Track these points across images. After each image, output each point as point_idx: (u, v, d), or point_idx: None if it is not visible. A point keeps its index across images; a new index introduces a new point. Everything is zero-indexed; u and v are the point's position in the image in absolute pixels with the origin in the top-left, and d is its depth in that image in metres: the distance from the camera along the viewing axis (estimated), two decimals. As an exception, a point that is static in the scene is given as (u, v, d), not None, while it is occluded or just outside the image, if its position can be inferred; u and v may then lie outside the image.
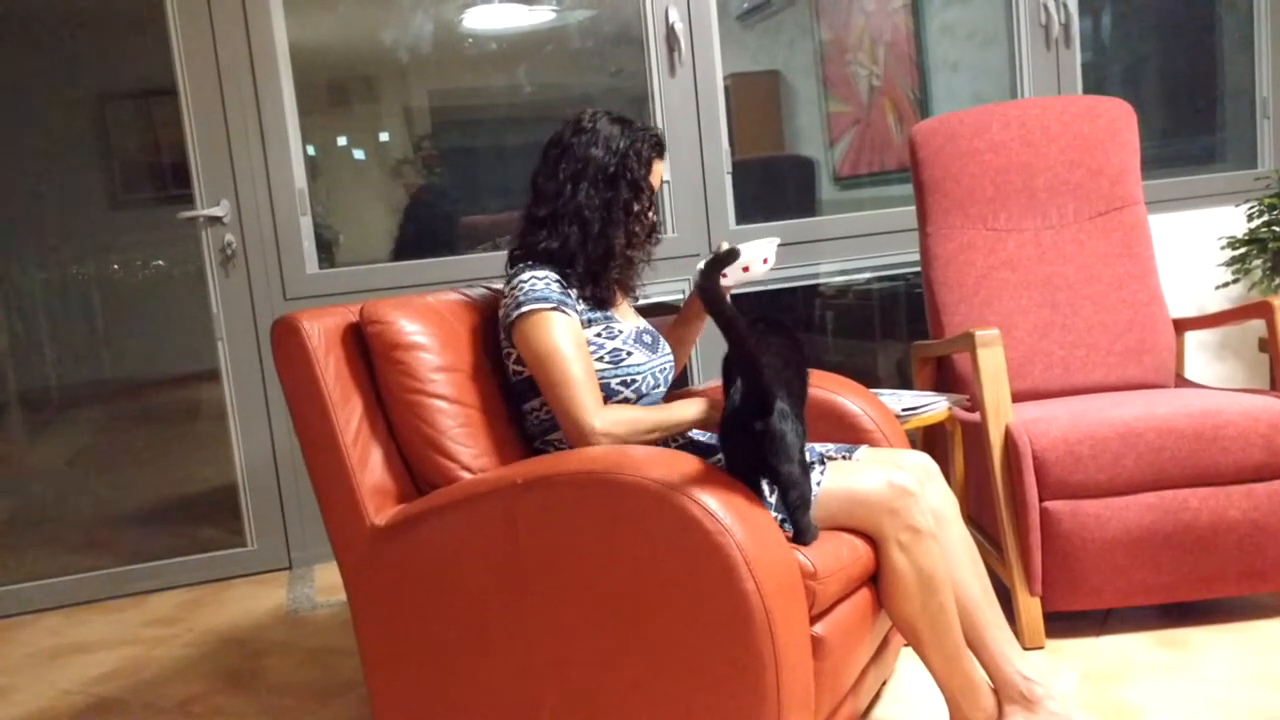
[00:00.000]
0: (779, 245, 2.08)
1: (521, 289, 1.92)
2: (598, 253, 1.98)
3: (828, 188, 4.13)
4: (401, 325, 1.90)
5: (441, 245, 3.60)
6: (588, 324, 1.97)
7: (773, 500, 1.74)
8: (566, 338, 1.88)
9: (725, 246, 1.80)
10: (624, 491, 1.56)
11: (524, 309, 1.89)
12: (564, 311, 1.90)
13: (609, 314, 2.03)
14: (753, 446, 1.62)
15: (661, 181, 2.12)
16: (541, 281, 1.92)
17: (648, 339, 2.07)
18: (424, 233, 3.64)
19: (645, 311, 2.26)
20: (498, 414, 2.00)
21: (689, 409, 1.94)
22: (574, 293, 1.96)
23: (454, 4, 3.57)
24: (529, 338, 1.89)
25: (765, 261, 2.04)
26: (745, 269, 2.05)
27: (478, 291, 2.20)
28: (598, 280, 2.00)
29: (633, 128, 2.03)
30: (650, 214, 2.06)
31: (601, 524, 1.59)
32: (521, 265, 1.98)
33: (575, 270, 1.98)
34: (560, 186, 2.00)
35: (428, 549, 1.77)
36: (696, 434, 2.08)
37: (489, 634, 1.72)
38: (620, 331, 2.00)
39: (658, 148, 2.06)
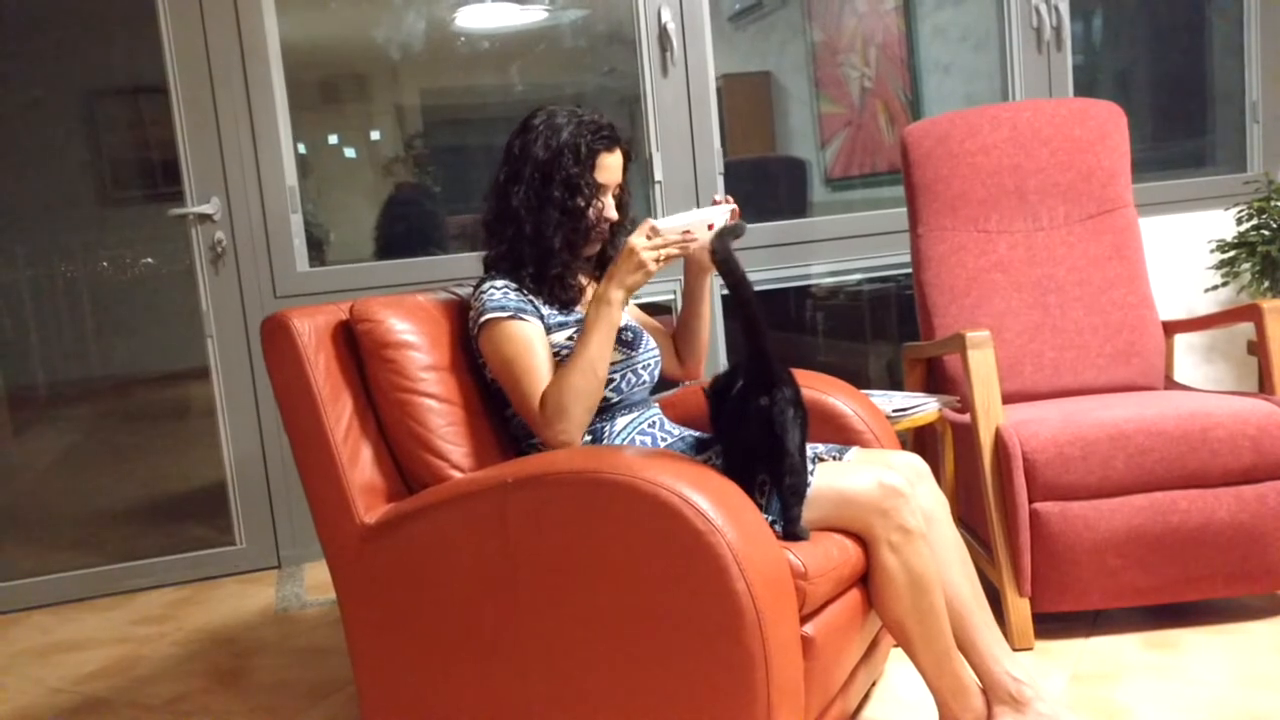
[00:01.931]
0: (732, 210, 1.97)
1: (481, 300, 1.93)
2: (536, 255, 1.96)
3: (819, 189, 4.13)
4: (391, 324, 1.90)
5: (422, 244, 3.60)
6: (559, 328, 1.95)
7: (764, 502, 1.74)
8: (523, 345, 1.88)
9: (722, 199, 1.89)
10: (615, 491, 1.56)
11: (483, 319, 1.90)
12: (522, 319, 1.90)
13: (580, 315, 2.01)
14: (756, 425, 1.63)
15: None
16: (500, 291, 1.92)
17: (627, 336, 2.04)
18: (402, 231, 3.64)
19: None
20: (487, 413, 2.00)
21: (596, 313, 1.85)
22: (535, 299, 1.95)
23: (446, 2, 3.57)
24: (490, 348, 1.91)
25: (710, 227, 1.91)
26: (710, 226, 1.92)
27: (467, 291, 2.19)
28: (548, 283, 1.96)
29: (580, 123, 1.96)
30: (592, 212, 1.97)
31: (592, 523, 1.59)
32: (485, 275, 1.99)
33: (527, 273, 1.96)
34: (501, 189, 1.98)
35: (418, 547, 1.76)
36: (690, 432, 2.07)
37: (479, 633, 1.72)
38: None
39: (605, 140, 1.98)
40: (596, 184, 1.98)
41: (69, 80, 3.39)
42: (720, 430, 1.79)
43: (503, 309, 1.90)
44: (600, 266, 2.13)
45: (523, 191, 1.95)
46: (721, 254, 1.70)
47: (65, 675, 2.67)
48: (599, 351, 1.85)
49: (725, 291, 1.83)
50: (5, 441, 3.51)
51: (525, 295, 1.94)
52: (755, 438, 1.66)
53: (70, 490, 3.55)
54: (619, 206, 2.05)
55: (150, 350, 3.59)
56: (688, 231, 1.87)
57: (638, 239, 1.85)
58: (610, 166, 2.00)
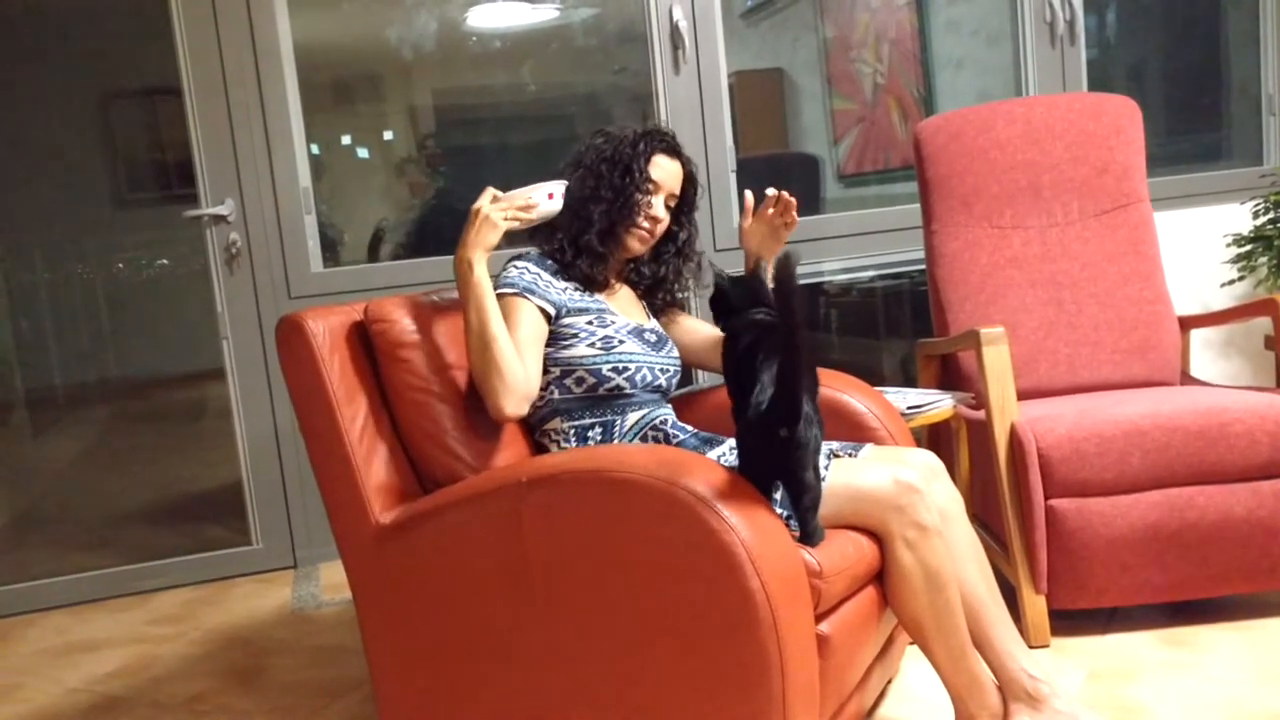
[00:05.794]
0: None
1: (500, 276, 1.99)
2: (576, 227, 2.03)
3: (832, 185, 4.13)
4: (406, 324, 1.91)
5: (436, 244, 3.61)
6: (579, 312, 2.00)
7: (778, 498, 1.74)
8: (511, 321, 1.91)
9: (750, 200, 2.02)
10: (629, 489, 1.56)
11: (497, 292, 1.95)
12: (525, 298, 1.95)
13: (603, 305, 2.05)
14: (774, 452, 1.61)
15: (686, 191, 2.16)
16: (516, 270, 2.00)
17: (651, 337, 2.08)
18: (415, 231, 3.66)
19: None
20: (502, 412, 2.00)
21: (459, 283, 1.86)
22: (550, 277, 2.00)
23: (458, 2, 3.57)
24: None
25: (551, 196, 1.95)
26: (550, 195, 1.96)
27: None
28: (578, 250, 2.03)
29: (645, 129, 2.09)
30: (639, 197, 2.05)
31: (607, 522, 1.59)
32: (514, 256, 2.06)
33: (556, 243, 2.04)
34: (560, 173, 2.06)
35: (433, 547, 1.77)
36: (701, 431, 2.07)
37: (494, 632, 1.72)
38: (613, 322, 2.03)
39: (661, 143, 2.10)
40: (649, 176, 2.06)
41: (84, 83, 3.41)
42: (739, 443, 1.74)
43: (512, 286, 1.97)
44: (636, 272, 2.20)
45: (580, 176, 2.05)
46: (785, 287, 1.55)
47: (83, 675, 2.68)
48: (477, 319, 1.84)
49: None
50: (24, 443, 3.54)
51: (537, 275, 1.99)
52: (772, 459, 1.63)
53: (87, 491, 3.58)
54: (674, 220, 2.15)
55: (166, 351, 3.61)
56: (530, 197, 1.92)
57: (481, 202, 1.90)
58: (665, 168, 2.10)
